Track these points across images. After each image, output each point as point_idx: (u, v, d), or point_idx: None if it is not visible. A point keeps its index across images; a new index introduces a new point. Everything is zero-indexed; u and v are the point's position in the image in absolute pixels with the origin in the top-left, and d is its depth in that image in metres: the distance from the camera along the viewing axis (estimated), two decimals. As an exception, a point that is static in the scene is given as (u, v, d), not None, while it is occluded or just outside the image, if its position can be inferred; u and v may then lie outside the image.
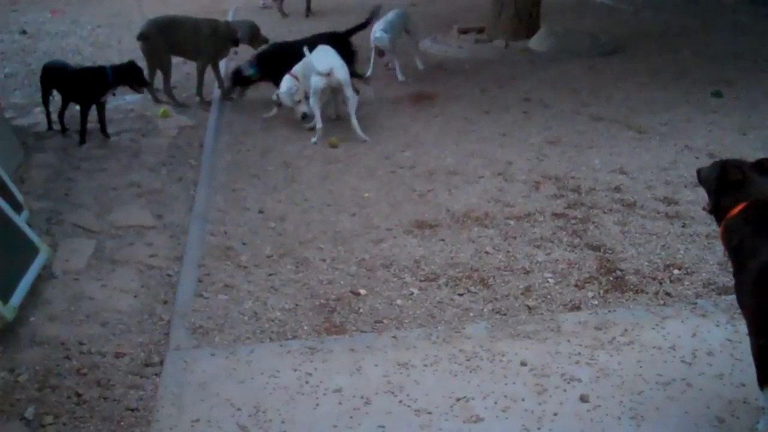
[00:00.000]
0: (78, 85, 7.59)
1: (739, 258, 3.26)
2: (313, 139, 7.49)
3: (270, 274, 4.96)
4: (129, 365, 4.06)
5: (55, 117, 7.87)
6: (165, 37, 8.74)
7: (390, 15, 9.73)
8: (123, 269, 5.08)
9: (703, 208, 3.69)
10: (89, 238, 5.52)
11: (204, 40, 8.77)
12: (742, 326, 3.41)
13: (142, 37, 8.80)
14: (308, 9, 14.76)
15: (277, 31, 11.73)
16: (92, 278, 4.96)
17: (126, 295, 4.75)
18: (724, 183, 3.40)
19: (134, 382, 3.91)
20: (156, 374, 3.96)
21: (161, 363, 4.04)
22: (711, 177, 3.50)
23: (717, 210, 3.45)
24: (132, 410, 3.71)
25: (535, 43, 11.29)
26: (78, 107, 7.60)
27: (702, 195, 5.92)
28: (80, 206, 6.07)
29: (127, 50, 11.44)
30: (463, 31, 12.21)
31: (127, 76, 7.58)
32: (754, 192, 3.30)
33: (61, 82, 7.71)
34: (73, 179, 6.63)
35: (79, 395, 3.80)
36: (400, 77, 9.68)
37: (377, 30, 9.40)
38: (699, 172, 3.71)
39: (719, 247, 5.04)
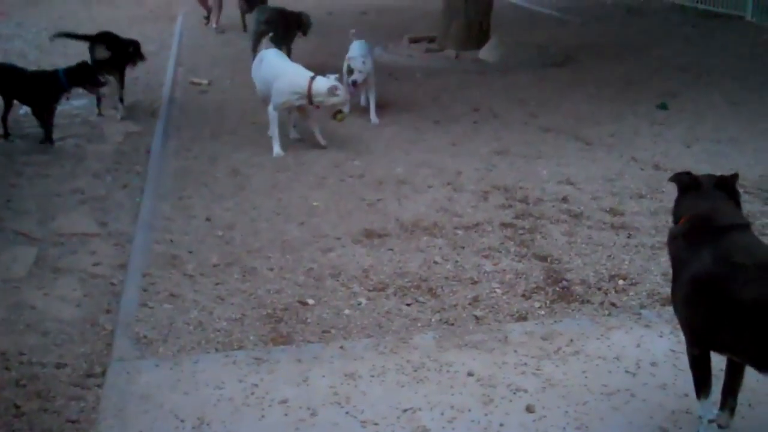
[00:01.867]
0: (32, 90, 7.46)
1: (675, 268, 3.32)
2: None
3: (216, 284, 4.90)
4: (70, 376, 3.97)
5: None
6: (280, 25, 10.12)
7: (359, 45, 8.56)
8: (65, 278, 4.98)
9: None
10: (31, 245, 5.40)
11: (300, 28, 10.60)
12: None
13: (267, 22, 10.05)
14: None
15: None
16: (33, 287, 4.85)
17: (68, 305, 4.66)
18: (678, 194, 3.47)
19: (75, 394, 3.83)
20: (98, 385, 3.88)
21: (104, 374, 3.96)
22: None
23: (673, 219, 3.51)
24: (73, 422, 3.63)
25: (485, 53, 11.37)
26: (22, 111, 7.48)
27: (646, 206, 6.04)
28: (22, 213, 5.94)
29: (74, 54, 11.22)
30: (414, 41, 12.26)
31: (81, 77, 7.55)
32: (697, 204, 3.36)
33: (13, 86, 7.53)
34: (16, 185, 6.49)
35: (17, 407, 3.70)
36: (375, 119, 8.45)
37: (358, 59, 8.11)
38: None
39: (663, 258, 5.11)
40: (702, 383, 3.26)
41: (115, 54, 8.60)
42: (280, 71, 7.41)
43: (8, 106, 7.61)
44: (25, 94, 7.55)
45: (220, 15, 13.58)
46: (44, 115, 7.46)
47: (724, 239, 3.14)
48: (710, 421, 3.31)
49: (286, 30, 10.47)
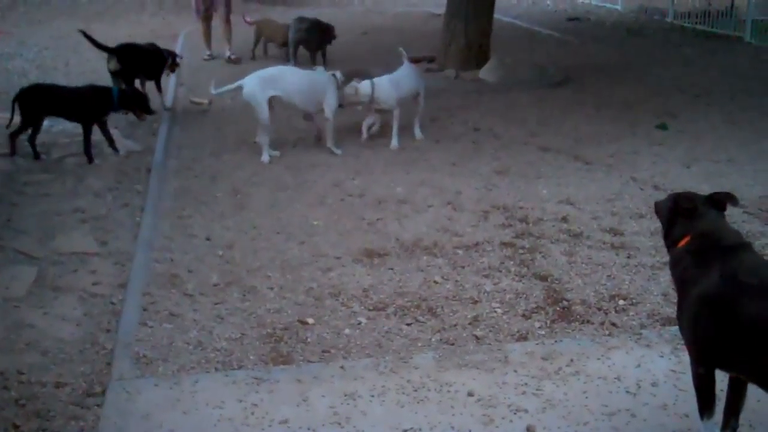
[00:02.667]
0: (82, 105, 7.60)
1: (681, 288, 3.32)
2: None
3: (216, 303, 4.90)
4: (70, 395, 3.96)
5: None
6: (315, 34, 11.80)
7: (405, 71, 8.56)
8: (65, 297, 4.97)
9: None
10: (31, 264, 5.40)
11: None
12: (686, 357, 3.46)
13: (305, 30, 11.75)
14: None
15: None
16: (33, 306, 4.84)
17: (68, 324, 4.65)
18: (674, 214, 3.46)
19: (75, 413, 3.82)
20: (98, 405, 3.87)
21: (103, 393, 3.95)
22: (664, 208, 3.57)
23: (667, 240, 3.51)
24: (72, 442, 3.62)
25: (485, 73, 11.41)
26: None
27: (646, 226, 6.04)
28: (22, 232, 5.94)
29: (75, 73, 11.33)
30: (414, 60, 12.24)
31: (132, 101, 7.79)
32: (700, 224, 3.36)
33: (56, 103, 7.61)
34: (16, 204, 6.50)
35: (17, 427, 3.69)
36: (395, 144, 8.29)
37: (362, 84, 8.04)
38: (656, 204, 3.77)
39: (663, 278, 5.11)
40: (706, 403, 3.26)
41: (131, 65, 9.07)
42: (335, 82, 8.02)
43: (38, 128, 7.64)
44: (72, 110, 7.63)
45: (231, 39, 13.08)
46: (87, 129, 7.62)
47: (731, 258, 3.15)
48: (712, 442, 3.30)
49: (320, 39, 11.96)
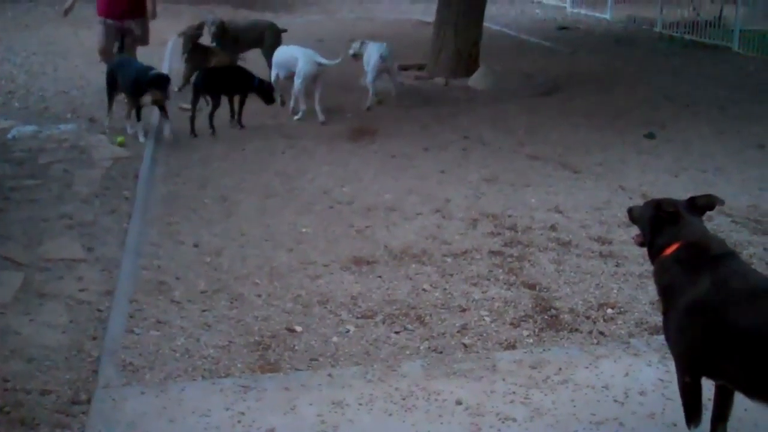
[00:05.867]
0: (237, 83, 9.09)
1: (668, 297, 3.32)
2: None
3: (204, 310, 4.87)
4: (55, 403, 3.93)
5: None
6: None
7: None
8: (51, 303, 4.94)
9: (633, 238, 3.76)
10: (17, 270, 5.36)
11: None
12: (673, 366, 3.45)
13: None
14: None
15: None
16: (19, 312, 4.81)
17: (54, 331, 4.62)
18: (659, 222, 3.45)
19: (60, 421, 3.79)
20: (83, 413, 3.84)
21: (89, 401, 3.92)
22: (645, 216, 3.55)
23: (651, 248, 3.49)
24: (57, 450, 3.59)
25: (475, 81, 11.44)
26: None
27: (634, 233, 6.05)
28: (8, 238, 5.90)
29: (63, 78, 11.28)
30: (404, 68, 12.30)
31: (264, 92, 9.17)
32: (686, 232, 3.36)
33: (225, 82, 9.07)
34: (2, 210, 6.45)
35: (1, 435, 3.67)
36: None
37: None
38: (630, 210, 3.77)
39: (651, 287, 5.10)
40: (693, 411, 3.27)
41: None
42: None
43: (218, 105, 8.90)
44: (233, 87, 9.11)
45: None
46: (243, 102, 9.18)
47: (721, 267, 3.16)
48: (700, 450, 3.30)
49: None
